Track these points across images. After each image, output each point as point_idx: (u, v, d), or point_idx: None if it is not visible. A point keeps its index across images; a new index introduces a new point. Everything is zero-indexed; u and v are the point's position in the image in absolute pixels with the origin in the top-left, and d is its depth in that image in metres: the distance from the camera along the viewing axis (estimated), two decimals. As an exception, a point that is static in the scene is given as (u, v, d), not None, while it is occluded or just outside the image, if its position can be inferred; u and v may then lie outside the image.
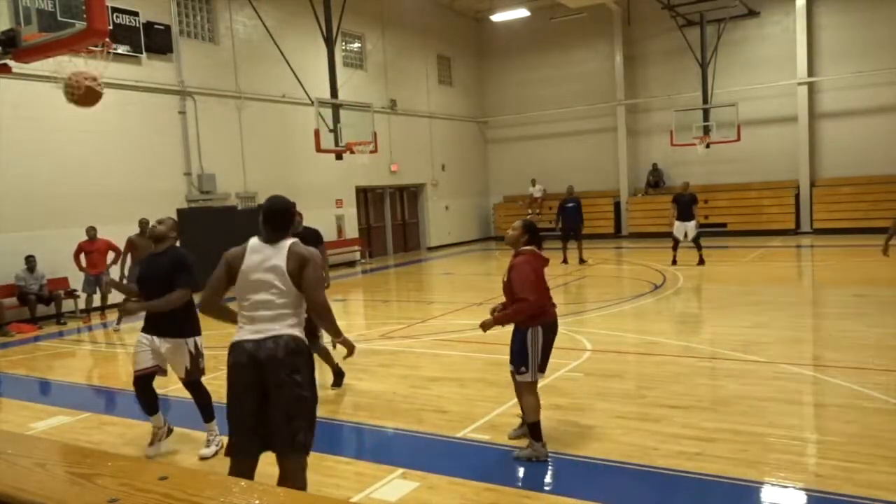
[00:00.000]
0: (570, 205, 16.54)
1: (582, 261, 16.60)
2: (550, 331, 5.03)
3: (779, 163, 21.61)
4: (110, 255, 12.03)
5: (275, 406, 3.50)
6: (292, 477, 3.52)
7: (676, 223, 14.96)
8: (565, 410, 5.89)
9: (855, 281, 12.34)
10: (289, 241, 3.67)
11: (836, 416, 5.54)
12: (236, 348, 3.58)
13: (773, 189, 21.63)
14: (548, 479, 4.70)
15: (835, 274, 13.95)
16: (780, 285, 12.93)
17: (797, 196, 21.23)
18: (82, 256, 11.99)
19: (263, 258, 3.62)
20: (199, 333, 5.38)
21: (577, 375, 7.00)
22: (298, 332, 3.63)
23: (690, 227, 14.80)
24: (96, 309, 12.64)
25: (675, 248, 15.16)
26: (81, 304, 12.63)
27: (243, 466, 3.56)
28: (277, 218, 3.72)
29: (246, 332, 3.58)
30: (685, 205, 14.83)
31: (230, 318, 3.89)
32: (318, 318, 3.82)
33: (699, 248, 14.83)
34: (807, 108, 21.17)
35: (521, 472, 4.82)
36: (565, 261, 16.34)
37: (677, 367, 7.14)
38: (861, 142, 20.61)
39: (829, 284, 12.90)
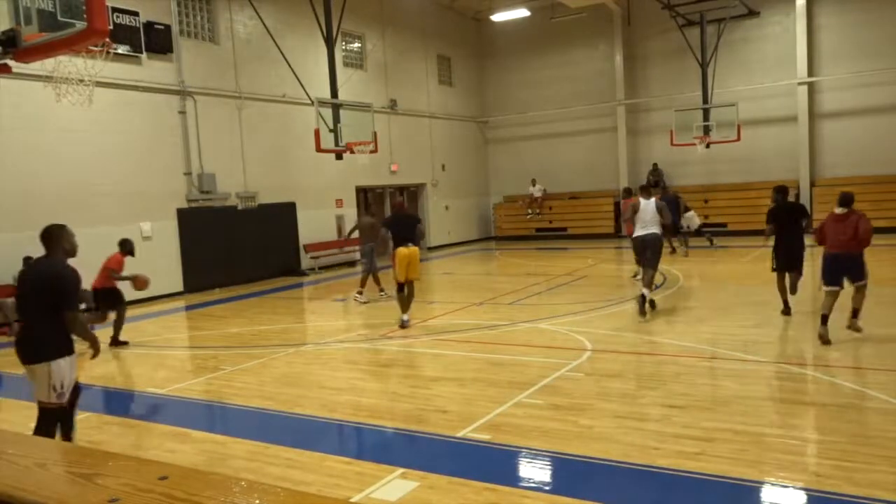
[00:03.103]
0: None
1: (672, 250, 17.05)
2: (825, 259, 8.02)
3: (779, 163, 21.61)
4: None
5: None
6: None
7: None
8: (565, 410, 5.88)
9: (855, 281, 12.32)
10: (654, 199, 10.02)
11: (836, 416, 5.54)
12: (636, 238, 10.05)
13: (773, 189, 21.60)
14: (548, 479, 4.70)
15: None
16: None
17: (797, 196, 21.20)
18: None
19: (648, 203, 9.90)
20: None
21: (577, 375, 7.00)
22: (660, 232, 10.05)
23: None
24: (85, 311, 12.66)
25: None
26: None
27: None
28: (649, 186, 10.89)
29: (640, 231, 9.89)
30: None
31: None
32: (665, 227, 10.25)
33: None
34: (807, 108, 21.17)
35: (521, 472, 4.83)
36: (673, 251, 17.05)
37: (677, 367, 7.14)
38: (861, 142, 20.61)
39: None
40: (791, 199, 10.42)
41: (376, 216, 13.85)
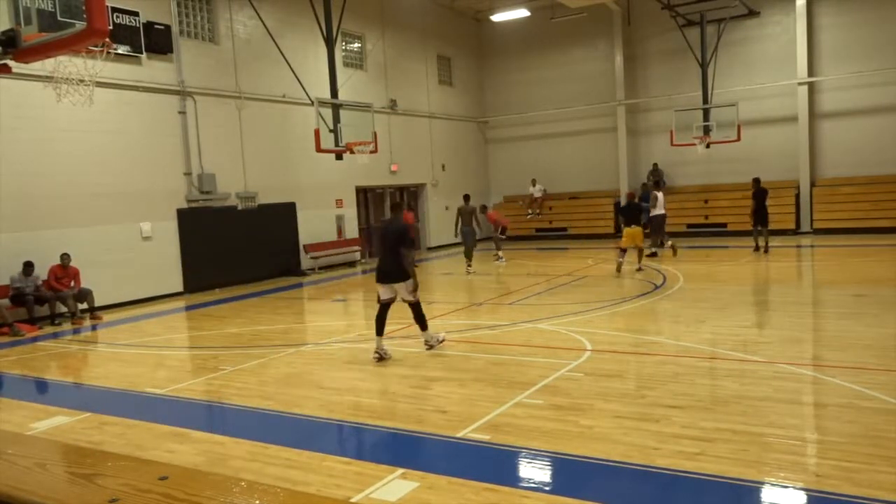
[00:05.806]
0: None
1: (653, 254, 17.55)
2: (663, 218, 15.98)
3: (779, 163, 21.60)
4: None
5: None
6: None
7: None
8: (565, 410, 5.88)
9: (855, 281, 12.34)
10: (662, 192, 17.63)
11: (836, 416, 5.54)
12: (662, 215, 17.13)
13: (773, 189, 21.50)
14: (548, 479, 4.70)
15: (835, 274, 13.95)
16: (780, 285, 12.93)
17: (797, 196, 21.23)
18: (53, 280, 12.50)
19: (661, 195, 17.36)
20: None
21: (577, 375, 7.00)
22: None
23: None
24: (86, 310, 12.66)
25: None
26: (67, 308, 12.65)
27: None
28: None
29: (661, 210, 16.89)
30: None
31: None
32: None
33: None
34: (807, 108, 21.17)
35: (521, 472, 4.83)
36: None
37: (677, 367, 7.14)
38: (861, 142, 20.61)
39: (829, 284, 12.90)
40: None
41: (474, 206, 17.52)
